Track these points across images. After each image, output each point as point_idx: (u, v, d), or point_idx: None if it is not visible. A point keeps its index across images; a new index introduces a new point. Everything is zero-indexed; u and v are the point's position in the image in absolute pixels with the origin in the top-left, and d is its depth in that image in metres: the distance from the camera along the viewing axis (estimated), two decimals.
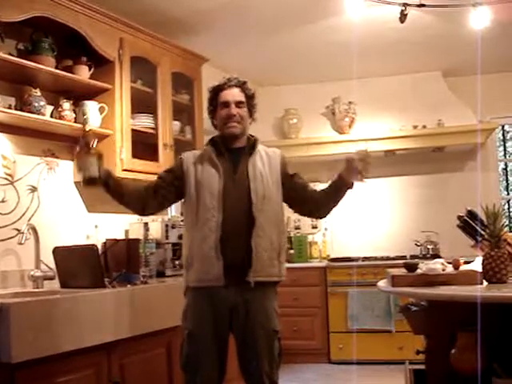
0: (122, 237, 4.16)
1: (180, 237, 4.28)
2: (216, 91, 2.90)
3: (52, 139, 3.67)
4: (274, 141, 6.23)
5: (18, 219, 3.43)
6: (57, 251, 3.41)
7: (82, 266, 3.28)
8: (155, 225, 4.19)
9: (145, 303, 3.29)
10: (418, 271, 2.84)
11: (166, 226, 4.20)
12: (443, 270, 2.82)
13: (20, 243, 3.27)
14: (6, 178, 3.40)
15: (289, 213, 6.88)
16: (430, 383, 2.92)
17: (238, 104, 2.85)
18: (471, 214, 3.05)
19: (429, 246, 5.84)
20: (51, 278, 3.44)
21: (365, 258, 5.94)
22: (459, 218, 3.10)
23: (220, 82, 2.90)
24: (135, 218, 4.26)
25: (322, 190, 2.92)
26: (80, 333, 2.80)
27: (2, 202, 3.37)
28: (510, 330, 2.62)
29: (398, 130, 6.01)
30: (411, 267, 2.88)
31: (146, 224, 4.11)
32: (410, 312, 3.17)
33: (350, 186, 2.78)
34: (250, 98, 2.92)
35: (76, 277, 3.29)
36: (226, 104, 2.84)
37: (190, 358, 2.74)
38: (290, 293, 5.46)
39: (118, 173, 3.72)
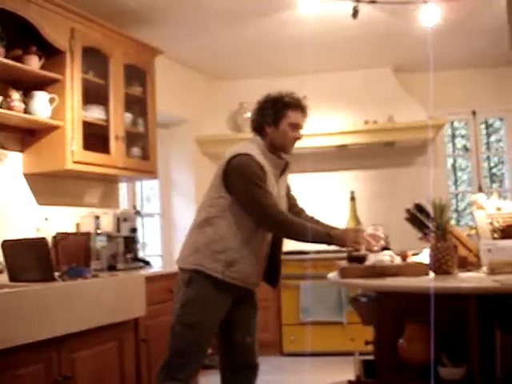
0: (73, 230, 4.10)
1: (132, 230, 4.26)
2: (286, 106, 2.93)
3: (0, 130, 3.60)
4: (228, 134, 6.24)
5: None
6: (5, 244, 3.35)
7: (31, 260, 3.23)
8: (106, 218, 4.15)
9: (96, 297, 3.26)
10: (367, 263, 2.89)
11: (118, 219, 4.15)
12: (391, 261, 2.87)
13: None
14: None
15: None
16: (378, 373, 2.97)
17: (301, 129, 2.97)
18: (419, 208, 3.11)
19: None
20: (0, 272, 3.38)
21: (317, 251, 5.99)
22: (407, 211, 3.16)
23: (292, 99, 2.95)
24: (86, 210, 4.23)
25: (312, 219, 3.21)
26: (29, 327, 2.76)
27: None
28: (456, 320, 2.69)
29: (350, 124, 6.08)
30: (359, 259, 2.93)
31: (97, 217, 4.07)
32: (359, 303, 3.23)
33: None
34: None
35: (25, 270, 3.24)
36: (298, 127, 2.93)
37: (190, 348, 2.82)
38: None
39: (69, 165, 3.67)
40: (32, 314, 2.78)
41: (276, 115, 2.92)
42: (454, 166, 6.98)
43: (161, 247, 5.96)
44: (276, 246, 3.05)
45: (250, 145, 2.95)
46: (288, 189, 3.15)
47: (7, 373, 2.64)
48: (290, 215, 2.89)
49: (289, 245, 6.38)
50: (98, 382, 3.26)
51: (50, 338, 2.88)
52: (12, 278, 3.30)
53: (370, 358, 3.20)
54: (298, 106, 2.94)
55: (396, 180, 6.38)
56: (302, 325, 5.71)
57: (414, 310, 2.74)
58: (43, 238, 3.32)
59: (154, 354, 3.69)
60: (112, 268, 3.99)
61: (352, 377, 3.21)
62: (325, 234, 2.83)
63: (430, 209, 2.94)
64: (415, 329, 2.71)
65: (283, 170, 3.01)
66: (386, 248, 3.01)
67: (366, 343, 3.20)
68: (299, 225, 2.86)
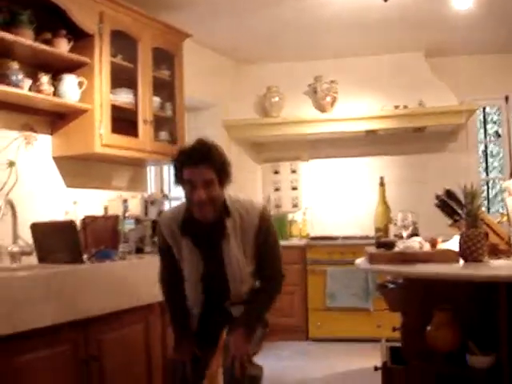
0: (101, 213, 4.13)
1: (160, 214, 4.27)
2: (181, 164, 2.51)
3: (30, 113, 3.63)
4: (256, 119, 6.23)
5: None
6: (35, 227, 3.38)
7: (60, 242, 3.26)
8: (134, 201, 4.17)
9: (123, 279, 3.29)
10: (396, 249, 2.86)
11: (146, 202, 4.17)
12: (420, 248, 2.84)
13: None
14: None
15: (270, 191, 6.87)
16: (405, 360, 2.95)
17: (207, 183, 2.47)
18: (449, 194, 3.06)
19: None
20: (29, 254, 3.42)
21: (344, 237, 5.97)
22: (437, 197, 3.11)
23: (183, 156, 2.51)
24: (114, 194, 4.25)
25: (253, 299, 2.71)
26: (58, 308, 2.79)
27: None
28: (485, 308, 2.65)
29: (380, 109, 6.01)
30: (388, 245, 2.90)
31: (125, 200, 4.09)
32: (387, 289, 3.20)
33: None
34: (220, 169, 2.52)
35: (54, 253, 3.27)
36: (192, 184, 2.47)
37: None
38: None
39: (98, 148, 3.69)
40: (60, 296, 2.81)
41: (179, 179, 2.55)
42: (485, 152, 6.86)
43: None
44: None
45: (181, 205, 2.71)
46: (259, 248, 2.67)
47: (35, 353, 2.68)
48: (170, 288, 2.78)
49: (317, 230, 6.40)
50: (124, 364, 3.28)
51: (78, 319, 2.91)
52: (41, 260, 3.35)
53: (397, 344, 3.18)
54: (189, 160, 2.48)
55: (426, 166, 6.31)
56: (329, 310, 5.71)
57: (443, 297, 2.71)
58: (72, 221, 3.34)
59: None
60: (139, 251, 4.00)
61: (378, 363, 3.18)
62: (175, 328, 2.75)
63: (460, 195, 2.90)
64: (443, 316, 2.68)
65: (220, 230, 2.60)
66: (415, 234, 2.97)
67: (394, 329, 3.18)
68: (167, 303, 2.81)
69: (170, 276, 2.76)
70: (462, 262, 2.74)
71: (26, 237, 3.42)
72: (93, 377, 3.02)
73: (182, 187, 2.54)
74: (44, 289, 2.74)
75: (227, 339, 2.52)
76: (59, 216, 3.81)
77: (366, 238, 5.79)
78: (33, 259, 3.39)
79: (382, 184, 3.38)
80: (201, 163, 2.45)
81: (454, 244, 2.89)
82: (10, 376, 2.55)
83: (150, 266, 3.47)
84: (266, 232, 2.66)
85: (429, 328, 2.70)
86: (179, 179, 2.53)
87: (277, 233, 2.77)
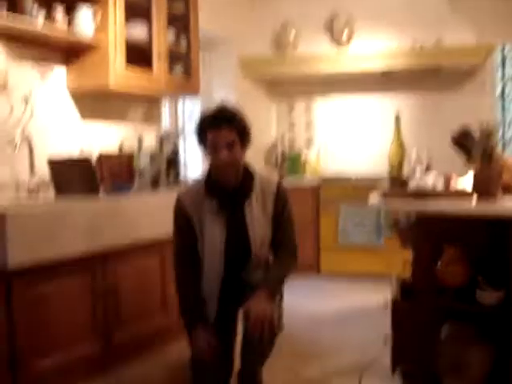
0: (116, 150, 4.15)
1: (175, 150, 4.29)
2: (205, 130, 2.57)
3: (44, 46, 3.60)
4: (271, 54, 6.15)
5: (12, 129, 3.39)
6: (52, 163, 3.43)
7: (77, 178, 3.32)
8: (150, 137, 4.18)
9: (139, 214, 3.34)
10: (409, 187, 2.87)
11: (161, 138, 4.18)
12: (433, 185, 2.85)
13: (14, 152, 3.28)
14: None
15: (284, 130, 6.82)
16: (416, 295, 2.99)
17: (230, 145, 2.55)
18: (465, 132, 3.04)
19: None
20: (46, 187, 3.47)
21: (358, 176, 5.96)
22: (453, 135, 3.09)
23: (206, 120, 2.59)
24: (130, 129, 4.26)
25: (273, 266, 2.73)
26: (76, 240, 2.86)
27: None
28: (496, 245, 2.68)
29: (396, 47, 5.91)
30: (401, 182, 2.91)
31: (140, 137, 4.10)
32: (399, 226, 3.22)
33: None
34: (242, 132, 2.60)
35: (71, 186, 3.33)
36: (216, 146, 2.55)
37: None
38: None
39: (112, 82, 3.67)
40: (78, 228, 2.88)
41: (202, 142, 2.61)
42: (502, 93, 6.75)
43: (202, 167, 5.99)
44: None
45: (201, 176, 2.76)
46: (277, 217, 2.71)
47: (53, 283, 2.79)
48: (185, 271, 2.67)
49: (331, 168, 6.39)
50: (140, 296, 3.38)
51: (95, 250, 2.99)
52: (58, 193, 3.40)
53: (407, 280, 3.22)
54: (212, 123, 2.55)
55: (442, 106, 6.21)
56: (340, 249, 5.77)
57: (454, 234, 2.73)
58: (88, 157, 3.38)
59: None
60: (155, 186, 4.04)
61: (389, 299, 3.24)
62: (190, 318, 2.64)
63: (476, 133, 2.88)
64: (453, 252, 2.71)
65: (244, 191, 2.66)
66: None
67: (404, 265, 3.21)
68: (180, 287, 2.68)
69: (187, 255, 2.68)
70: (475, 198, 2.74)
71: (43, 170, 3.46)
72: (109, 307, 3.12)
73: (205, 150, 2.62)
74: (62, 221, 2.79)
75: (247, 305, 2.48)
76: (75, 151, 3.82)
77: (380, 176, 5.79)
78: (50, 193, 3.44)
79: (397, 119, 3.34)
80: (224, 126, 2.53)
81: (468, 180, 2.89)
82: (30, 306, 2.65)
83: (165, 200, 3.51)
84: (284, 201, 2.73)
85: (439, 263, 2.74)
86: (202, 143, 2.61)
87: (292, 207, 2.77)
